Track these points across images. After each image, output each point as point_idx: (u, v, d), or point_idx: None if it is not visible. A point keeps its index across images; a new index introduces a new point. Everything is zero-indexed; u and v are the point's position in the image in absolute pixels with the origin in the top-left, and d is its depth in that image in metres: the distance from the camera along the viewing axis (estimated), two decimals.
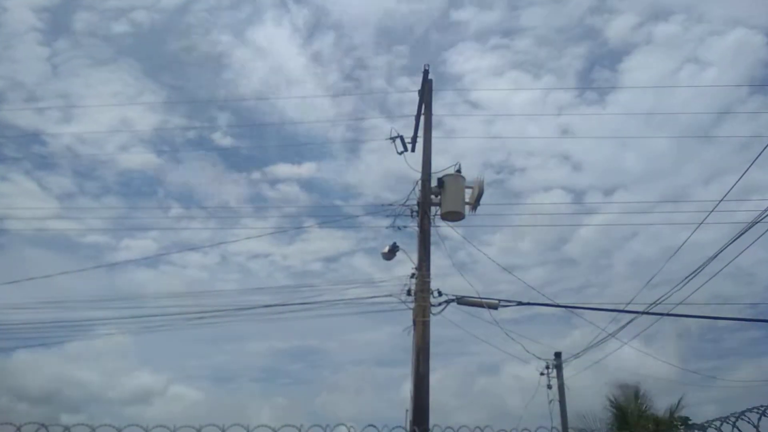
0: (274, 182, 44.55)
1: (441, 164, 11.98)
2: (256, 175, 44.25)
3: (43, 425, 6.98)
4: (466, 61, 49.58)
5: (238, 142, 39.84)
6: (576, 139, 38.39)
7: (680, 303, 11.16)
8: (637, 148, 40.18)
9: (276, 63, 47.56)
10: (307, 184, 44.65)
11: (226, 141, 38.62)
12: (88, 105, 40.46)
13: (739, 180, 9.56)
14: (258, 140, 43.08)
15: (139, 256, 36.11)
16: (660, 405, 18.13)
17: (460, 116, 40.29)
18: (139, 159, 38.32)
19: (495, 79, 49.42)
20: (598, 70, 48.68)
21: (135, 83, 41.98)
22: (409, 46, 50.18)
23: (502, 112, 46.07)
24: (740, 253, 10.20)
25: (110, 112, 37.05)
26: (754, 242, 9.75)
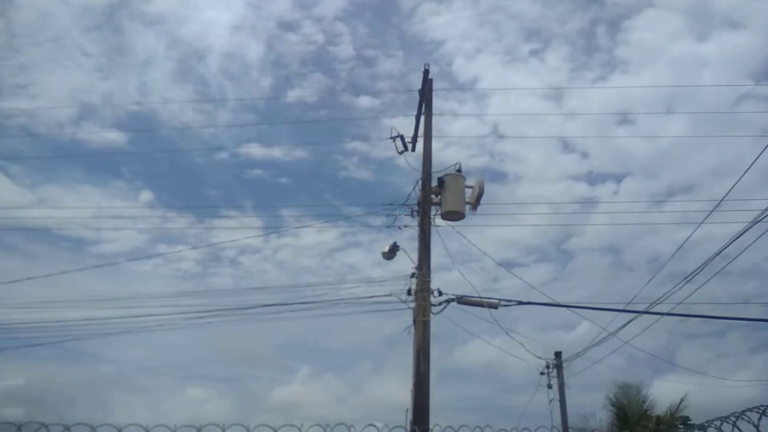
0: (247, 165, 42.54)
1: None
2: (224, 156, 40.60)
3: (43, 425, 6.98)
4: (449, 25, 43.93)
5: (206, 118, 37.19)
6: (579, 122, 36.01)
7: (681, 302, 11.18)
8: (646, 131, 37.34)
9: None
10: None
11: (194, 117, 36.15)
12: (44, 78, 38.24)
13: (743, 175, 9.50)
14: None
15: (124, 248, 35.30)
16: (661, 404, 18.12)
17: (438, 91, 38.97)
18: (104, 137, 34.49)
19: (482, 48, 44.56)
20: (603, 36, 44.17)
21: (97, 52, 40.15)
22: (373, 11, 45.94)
23: (491, 88, 42.19)
24: (740, 253, 10.22)
25: (69, 86, 35.22)
26: (754, 242, 9.75)
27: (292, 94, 42.60)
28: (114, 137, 34.23)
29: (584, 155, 41.02)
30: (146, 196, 38.70)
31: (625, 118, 32.19)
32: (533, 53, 44.35)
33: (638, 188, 37.42)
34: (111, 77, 40.44)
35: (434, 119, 12.31)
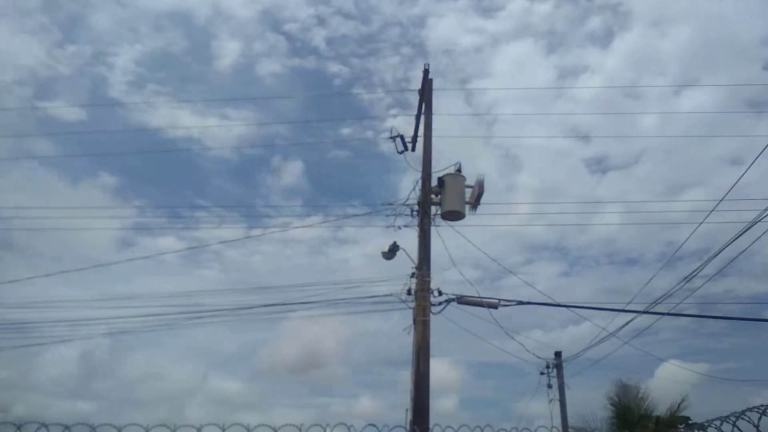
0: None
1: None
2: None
3: (43, 424, 6.99)
4: None
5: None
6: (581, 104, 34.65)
7: (680, 303, 11.17)
8: (654, 109, 34.87)
9: None
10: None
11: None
12: None
13: (744, 174, 9.47)
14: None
15: (103, 240, 34.84)
16: (661, 404, 18.12)
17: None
18: (56, 112, 34.11)
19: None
20: None
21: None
22: None
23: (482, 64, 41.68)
24: (740, 254, 10.18)
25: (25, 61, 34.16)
26: (753, 242, 9.72)
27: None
28: (75, 117, 33.75)
29: (588, 139, 40.04)
30: (111, 181, 37.96)
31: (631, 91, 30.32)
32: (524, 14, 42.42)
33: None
34: (69, 52, 39.59)
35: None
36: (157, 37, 42.70)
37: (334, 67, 45.96)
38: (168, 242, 34.34)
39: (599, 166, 41.76)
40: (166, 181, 40.34)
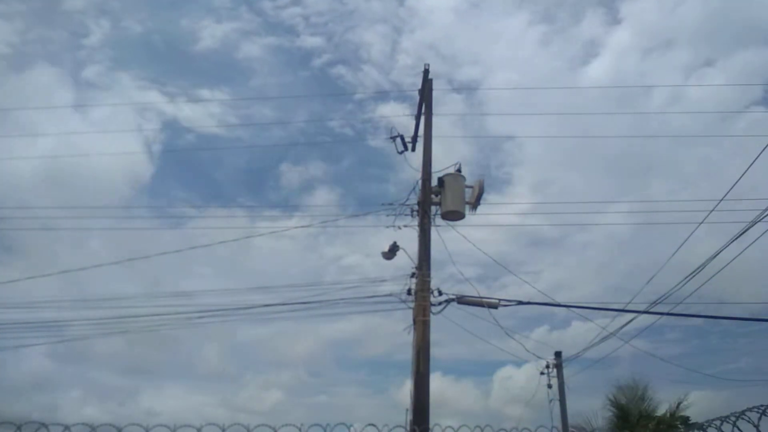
0: None
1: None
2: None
3: (43, 424, 6.99)
4: None
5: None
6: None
7: (680, 303, 11.15)
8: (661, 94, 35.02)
9: None
10: None
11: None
12: None
13: (742, 176, 9.46)
14: None
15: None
16: (662, 404, 18.12)
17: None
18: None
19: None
20: None
21: None
22: None
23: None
24: (740, 254, 10.18)
25: None
26: (754, 242, 9.72)
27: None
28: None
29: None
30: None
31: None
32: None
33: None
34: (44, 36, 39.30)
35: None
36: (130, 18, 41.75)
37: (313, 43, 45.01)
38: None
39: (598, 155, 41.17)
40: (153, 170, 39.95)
